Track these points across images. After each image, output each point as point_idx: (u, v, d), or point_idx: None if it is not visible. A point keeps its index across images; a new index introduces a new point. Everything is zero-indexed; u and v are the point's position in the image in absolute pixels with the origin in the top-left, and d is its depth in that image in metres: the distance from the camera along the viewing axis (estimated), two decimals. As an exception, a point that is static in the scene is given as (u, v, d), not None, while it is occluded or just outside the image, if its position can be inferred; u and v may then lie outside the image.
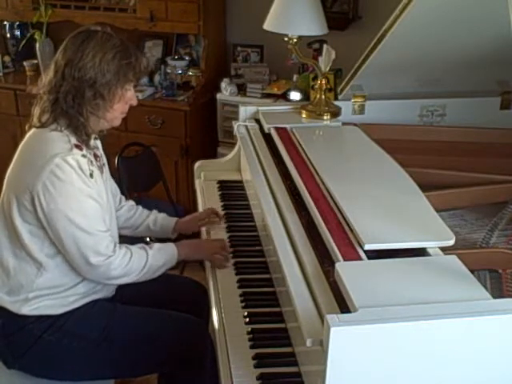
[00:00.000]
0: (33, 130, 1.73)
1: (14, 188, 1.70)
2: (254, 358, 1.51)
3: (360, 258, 1.40)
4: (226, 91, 3.37)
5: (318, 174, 1.82)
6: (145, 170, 2.98)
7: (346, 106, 2.37)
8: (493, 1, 1.78)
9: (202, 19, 3.28)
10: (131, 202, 2.11)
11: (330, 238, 1.48)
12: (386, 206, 1.60)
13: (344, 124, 2.29)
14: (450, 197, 1.81)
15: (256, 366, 1.49)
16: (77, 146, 1.67)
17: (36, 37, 3.65)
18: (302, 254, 1.51)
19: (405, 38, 2.08)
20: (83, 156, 1.67)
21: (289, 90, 3.24)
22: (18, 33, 3.93)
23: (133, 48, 1.72)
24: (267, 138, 2.23)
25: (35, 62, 3.77)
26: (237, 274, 1.86)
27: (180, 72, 3.51)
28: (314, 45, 2.96)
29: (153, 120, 3.37)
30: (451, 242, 1.43)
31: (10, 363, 1.79)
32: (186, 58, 3.59)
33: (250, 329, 1.62)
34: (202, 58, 3.52)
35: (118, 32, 1.78)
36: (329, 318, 1.13)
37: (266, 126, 2.27)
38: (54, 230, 1.65)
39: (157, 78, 3.51)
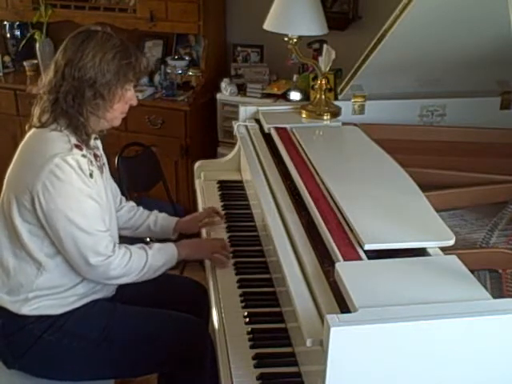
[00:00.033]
0: (33, 129, 1.73)
1: (13, 188, 1.70)
2: (253, 358, 1.51)
3: (360, 258, 1.40)
4: (226, 91, 3.37)
5: (317, 173, 1.82)
6: (145, 170, 2.98)
7: (346, 106, 2.37)
8: (493, 1, 1.78)
9: (201, 19, 3.28)
10: (131, 203, 2.11)
11: (329, 238, 1.48)
12: (386, 206, 1.60)
13: (344, 124, 2.28)
14: (449, 197, 1.81)
15: (256, 366, 1.49)
16: (77, 146, 1.67)
17: (36, 37, 3.65)
18: (302, 254, 1.51)
19: (405, 38, 2.08)
20: (83, 156, 1.67)
21: (289, 90, 3.23)
22: (18, 33, 3.93)
23: (133, 48, 1.72)
24: (267, 138, 2.23)
25: (35, 62, 3.77)
26: (237, 274, 1.86)
27: (180, 72, 3.51)
28: (314, 45, 2.96)
29: (153, 120, 3.37)
30: (451, 242, 1.43)
31: (9, 363, 1.79)
32: (186, 58, 3.59)
33: (249, 329, 1.62)
34: (202, 58, 3.52)
35: (118, 32, 1.78)
36: (329, 317, 1.13)
37: (265, 126, 2.27)
38: (53, 229, 1.65)
39: (157, 77, 3.50)
